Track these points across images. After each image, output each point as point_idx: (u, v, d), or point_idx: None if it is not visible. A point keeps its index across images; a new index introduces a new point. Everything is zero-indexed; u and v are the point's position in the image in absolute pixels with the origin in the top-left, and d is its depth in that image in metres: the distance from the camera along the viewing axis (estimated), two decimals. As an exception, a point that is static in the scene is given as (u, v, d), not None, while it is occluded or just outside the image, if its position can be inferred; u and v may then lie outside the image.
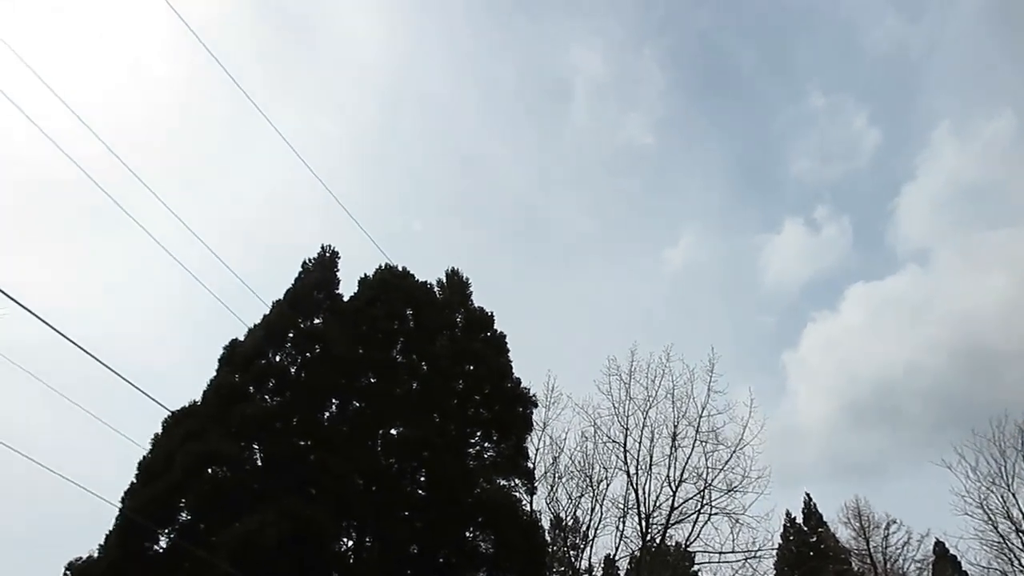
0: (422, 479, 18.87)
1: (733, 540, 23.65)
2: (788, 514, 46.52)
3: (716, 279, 76.22)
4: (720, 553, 23.77)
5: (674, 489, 24.26)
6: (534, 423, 22.17)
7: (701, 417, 24.79)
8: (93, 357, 8.16)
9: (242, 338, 19.32)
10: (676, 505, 24.19)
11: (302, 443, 17.69)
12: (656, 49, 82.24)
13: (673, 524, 24.33)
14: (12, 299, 7.53)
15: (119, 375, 8.78)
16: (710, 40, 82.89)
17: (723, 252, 77.68)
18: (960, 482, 30.49)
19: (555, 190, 76.45)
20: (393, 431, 18.99)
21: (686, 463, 24.40)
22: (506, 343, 21.61)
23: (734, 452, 24.21)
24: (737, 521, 23.65)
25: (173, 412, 17.38)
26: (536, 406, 21.90)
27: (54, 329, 7.55)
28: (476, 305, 22.01)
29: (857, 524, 39.92)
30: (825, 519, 45.28)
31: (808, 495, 47.72)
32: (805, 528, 46.83)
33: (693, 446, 24.54)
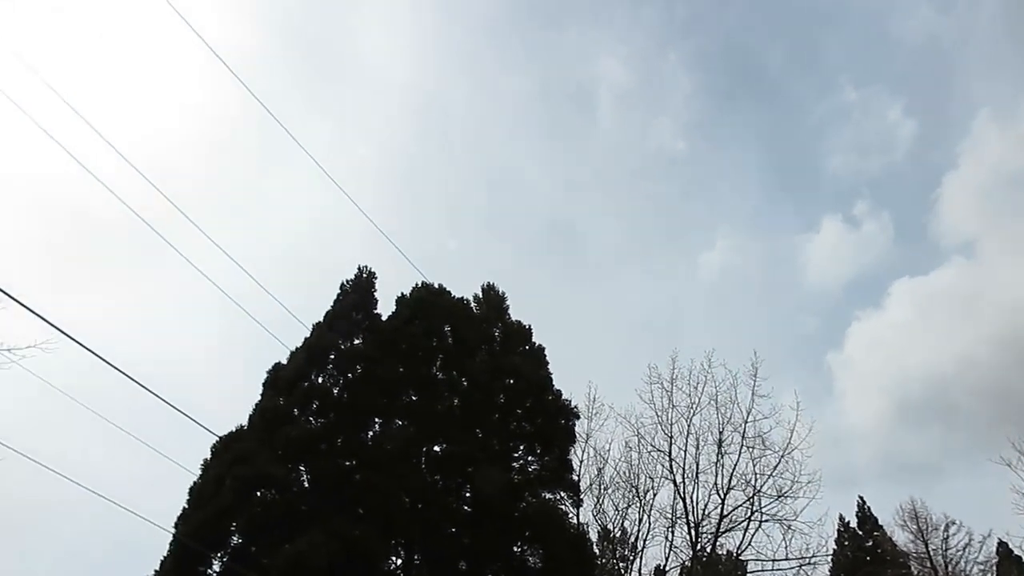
0: (467, 495, 18.87)
1: (786, 547, 23.18)
2: (842, 518, 45.39)
3: (755, 282, 75.16)
4: (773, 560, 23.32)
5: (722, 497, 23.88)
6: (577, 435, 22.04)
7: (747, 422, 24.39)
8: (143, 387, 8.37)
9: (285, 361, 19.62)
10: (725, 513, 23.80)
11: (347, 463, 17.85)
12: (680, 53, 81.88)
13: (723, 532, 23.94)
14: (63, 332, 7.77)
15: (169, 404, 8.99)
16: (735, 40, 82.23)
17: (761, 254, 76.66)
18: (1021, 479, 29.44)
19: (586, 200, 76.41)
20: (436, 448, 19.04)
21: (733, 470, 24.02)
22: (545, 356, 21.58)
23: (782, 457, 23.76)
24: (789, 527, 23.18)
25: (221, 437, 17.70)
26: (578, 418, 21.77)
27: (105, 361, 7.76)
28: (513, 319, 22.04)
29: (914, 526, 38.83)
30: (880, 522, 44.09)
31: (861, 498, 46.56)
32: (860, 532, 45.62)
33: (740, 452, 24.15)
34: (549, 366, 21.49)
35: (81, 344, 7.51)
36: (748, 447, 24.11)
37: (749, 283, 76.06)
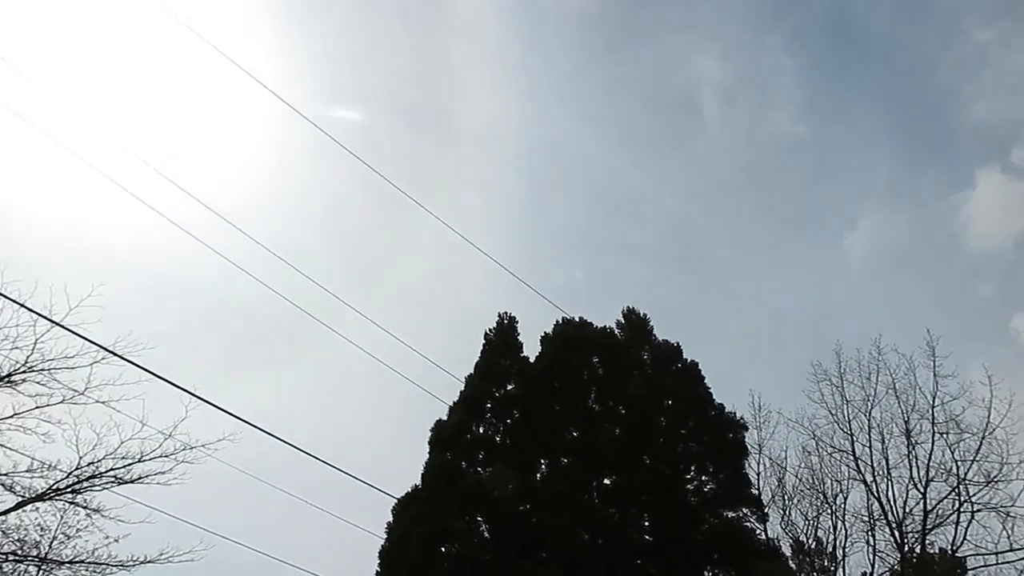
0: (646, 524, 18.54)
1: (1008, 537, 20.90)
2: (1068, 497, 40.52)
3: (910, 255, 69.41)
4: (996, 554, 21.04)
5: (922, 491, 21.89)
6: (749, 447, 21.11)
7: (934, 407, 22.29)
8: (332, 466, 8.88)
9: (445, 417, 20.23)
10: (929, 508, 21.84)
11: (521, 508, 18.04)
12: (779, 35, 78.19)
13: (931, 529, 21.91)
14: (251, 424, 8.42)
15: (352, 475, 9.47)
16: (834, 9, 77.96)
17: (911, 224, 70.81)
18: None
19: (709, 204, 73.96)
20: (607, 480, 18.90)
21: (929, 460, 22.01)
22: (699, 371, 21.01)
23: (983, 439, 21.49)
24: (1007, 515, 20.91)
25: (399, 499, 18.40)
26: (746, 429, 20.84)
27: (294, 447, 8.31)
28: (660, 339, 21.67)
29: None
30: (1117, 495, 38.99)
31: (1087, 471, 41.46)
32: (1094, 509, 40.54)
33: (933, 440, 22.08)
34: (705, 381, 20.92)
35: (271, 434, 8.10)
36: (941, 433, 22.05)
37: (904, 258, 70.39)
